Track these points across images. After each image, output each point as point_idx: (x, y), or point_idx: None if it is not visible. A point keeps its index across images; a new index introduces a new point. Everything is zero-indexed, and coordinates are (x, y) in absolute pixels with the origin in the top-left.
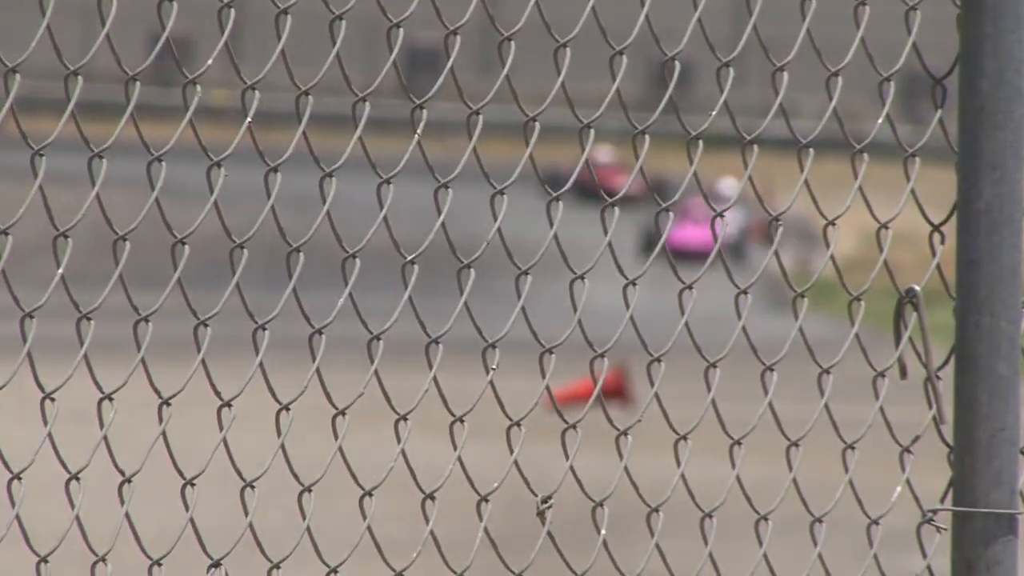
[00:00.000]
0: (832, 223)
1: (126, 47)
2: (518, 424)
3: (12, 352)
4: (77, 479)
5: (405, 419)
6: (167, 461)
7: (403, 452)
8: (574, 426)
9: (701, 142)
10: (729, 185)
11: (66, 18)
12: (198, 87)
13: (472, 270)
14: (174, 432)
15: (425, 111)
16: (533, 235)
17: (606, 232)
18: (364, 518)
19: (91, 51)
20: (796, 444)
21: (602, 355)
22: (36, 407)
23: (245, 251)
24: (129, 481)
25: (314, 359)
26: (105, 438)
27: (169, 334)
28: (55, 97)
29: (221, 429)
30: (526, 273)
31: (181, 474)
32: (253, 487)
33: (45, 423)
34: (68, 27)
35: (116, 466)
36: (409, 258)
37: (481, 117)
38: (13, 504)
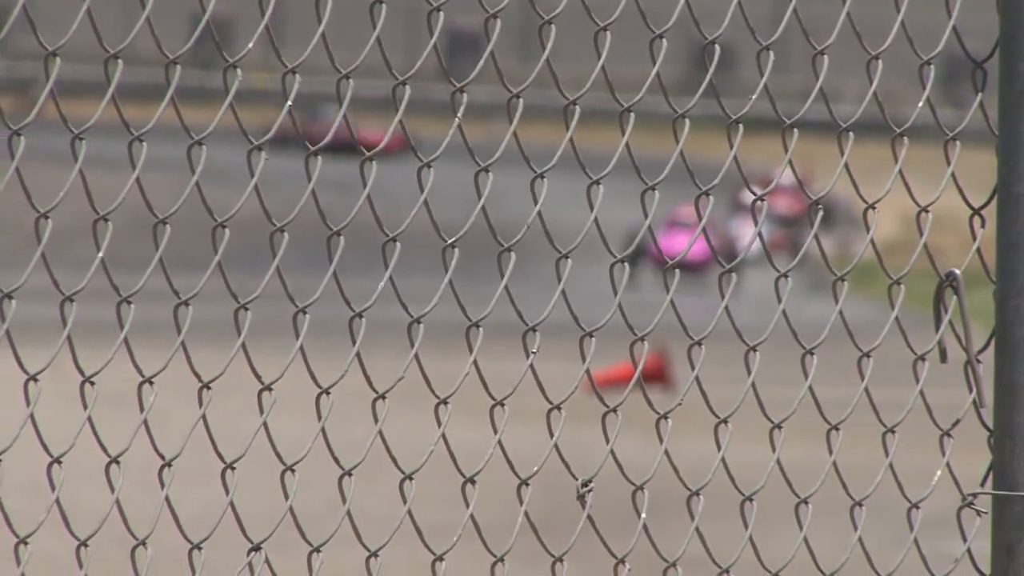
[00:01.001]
0: (872, 207)
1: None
2: (558, 407)
3: (52, 336)
4: (117, 463)
5: (445, 403)
6: (207, 445)
7: (443, 436)
8: (614, 409)
9: (741, 126)
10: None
11: (106, 1)
12: (238, 70)
13: (512, 253)
14: (214, 416)
15: (465, 95)
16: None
17: (646, 215)
18: (404, 502)
19: (131, 34)
20: (836, 427)
21: (642, 339)
22: (76, 391)
23: (285, 234)
24: (169, 465)
25: (354, 343)
26: (145, 422)
27: (209, 318)
28: (95, 80)
29: (261, 413)
30: (566, 257)
31: (221, 458)
32: (293, 471)
33: (85, 407)
34: (108, 10)
35: (156, 450)
36: (449, 241)
37: (521, 101)
38: (53, 488)
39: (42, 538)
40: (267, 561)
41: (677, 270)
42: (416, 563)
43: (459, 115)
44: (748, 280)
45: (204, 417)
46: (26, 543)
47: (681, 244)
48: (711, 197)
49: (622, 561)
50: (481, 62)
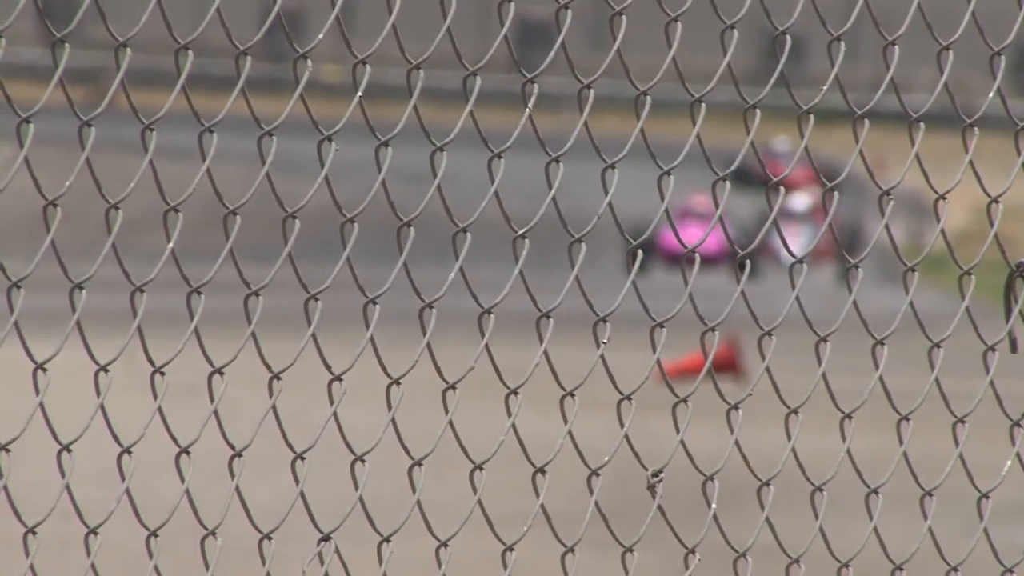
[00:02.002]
0: (943, 197)
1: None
2: (629, 398)
3: (123, 326)
4: (187, 453)
5: (516, 393)
6: (278, 435)
7: (514, 426)
8: (685, 400)
9: (812, 116)
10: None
11: None
12: (309, 61)
13: (583, 244)
14: (285, 406)
15: (536, 85)
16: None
17: (717, 206)
18: (475, 492)
19: (202, 25)
20: (907, 418)
21: (712, 329)
22: (146, 381)
23: (356, 225)
24: (240, 455)
25: (424, 333)
26: (216, 412)
27: (280, 308)
28: (166, 71)
29: (332, 403)
30: (638, 247)
31: (292, 448)
32: (364, 461)
33: (155, 397)
34: (179, 1)
35: (227, 440)
36: (520, 232)
37: (592, 91)
38: (124, 478)
39: (112, 528)
40: (337, 551)
41: (691, 262)
42: (486, 553)
43: (530, 105)
44: (821, 271)
45: (274, 407)
46: (96, 533)
47: (695, 235)
48: (782, 189)
49: (692, 551)
50: (552, 53)
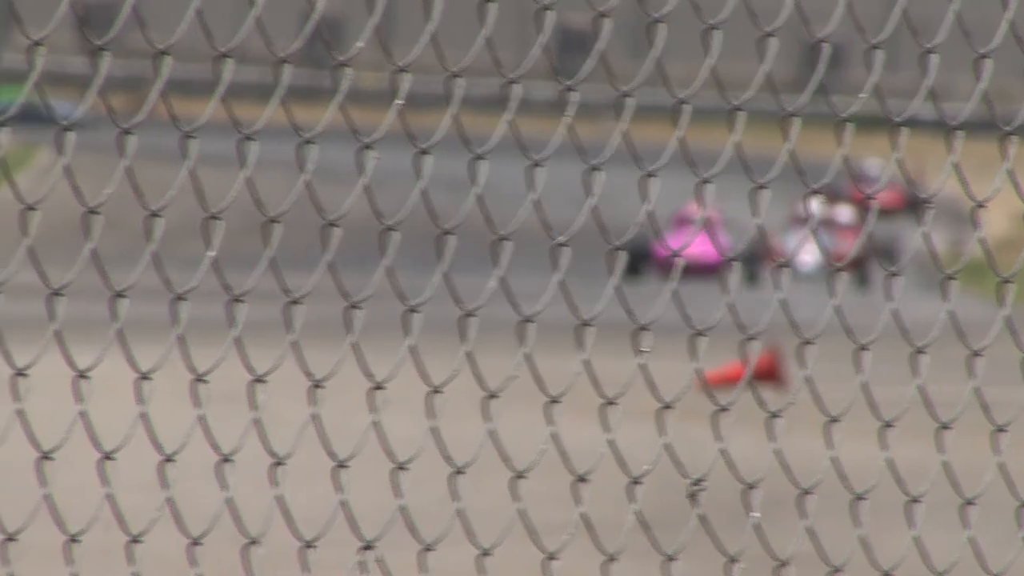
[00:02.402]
0: (981, 205)
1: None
2: (669, 406)
3: (163, 334)
4: (229, 461)
5: (557, 401)
6: (319, 443)
7: (555, 434)
8: (725, 408)
9: (851, 124)
10: (874, 165)
11: (217, 0)
12: (348, 69)
13: (623, 252)
14: (326, 414)
15: (575, 93)
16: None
17: (756, 215)
18: (516, 500)
19: (241, 33)
20: (947, 426)
21: (752, 337)
22: (187, 389)
23: (396, 233)
24: (281, 463)
25: (464, 341)
26: (257, 420)
27: (320, 316)
28: (206, 79)
29: (372, 411)
30: (677, 255)
31: (333, 456)
32: (405, 468)
33: (196, 405)
34: (219, 9)
35: (268, 448)
36: (560, 240)
37: (631, 99)
38: (165, 486)
39: (155, 536)
40: (379, 559)
41: (681, 270)
42: (528, 561)
43: (569, 113)
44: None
45: (316, 415)
46: (139, 541)
47: (694, 244)
48: (821, 194)
49: (734, 559)
50: (591, 61)
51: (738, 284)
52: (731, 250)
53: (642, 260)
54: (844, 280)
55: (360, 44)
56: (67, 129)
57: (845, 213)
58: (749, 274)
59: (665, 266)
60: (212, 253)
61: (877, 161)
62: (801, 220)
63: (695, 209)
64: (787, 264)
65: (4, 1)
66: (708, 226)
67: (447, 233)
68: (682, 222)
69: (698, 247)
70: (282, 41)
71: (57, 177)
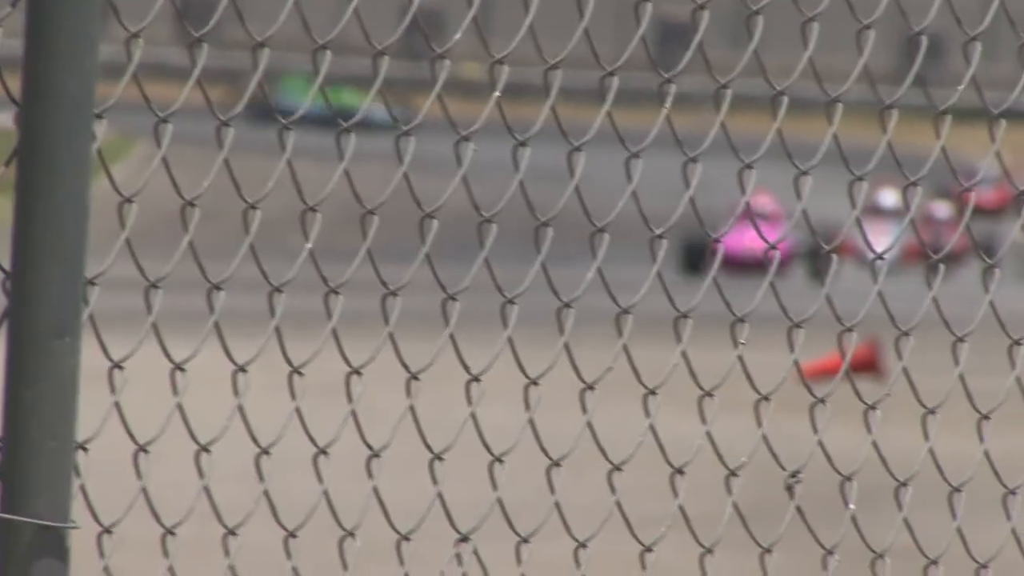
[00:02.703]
0: None
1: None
2: (767, 398)
3: (260, 326)
4: (325, 453)
5: (654, 393)
6: (416, 435)
7: (652, 426)
8: (823, 400)
9: (949, 116)
10: (889, 196)
11: None
12: (447, 61)
13: (721, 244)
14: (422, 406)
15: (674, 85)
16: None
17: (854, 206)
18: (613, 492)
19: (340, 25)
20: None
21: (850, 329)
22: (284, 381)
23: (494, 225)
24: (378, 455)
25: (562, 332)
26: (353, 412)
27: (418, 308)
28: (304, 71)
29: (469, 403)
30: (774, 247)
31: (429, 448)
32: (502, 461)
33: (293, 397)
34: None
35: (364, 440)
36: (658, 232)
37: (730, 91)
38: (262, 478)
39: (251, 529)
40: (475, 551)
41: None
42: (624, 554)
43: (667, 105)
44: (958, 270)
45: (412, 408)
46: (235, 534)
47: (733, 242)
48: (919, 187)
49: (831, 552)
50: (689, 53)
51: (833, 276)
52: (825, 242)
53: (699, 256)
54: (941, 273)
55: (457, 36)
56: (164, 120)
57: (942, 209)
58: (814, 269)
59: (730, 261)
60: (309, 245)
61: (986, 163)
62: (876, 212)
63: (761, 201)
64: (882, 257)
65: None
66: (772, 219)
67: (545, 224)
68: (745, 215)
69: (739, 240)
70: (381, 33)
71: (154, 169)
